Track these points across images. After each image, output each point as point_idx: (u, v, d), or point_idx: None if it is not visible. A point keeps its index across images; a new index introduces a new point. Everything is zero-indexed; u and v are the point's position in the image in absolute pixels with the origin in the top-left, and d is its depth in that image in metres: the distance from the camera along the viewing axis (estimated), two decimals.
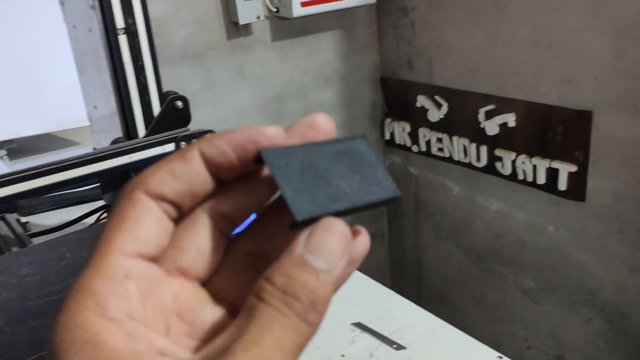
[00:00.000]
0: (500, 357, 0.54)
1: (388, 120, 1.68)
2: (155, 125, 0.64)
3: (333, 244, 0.19)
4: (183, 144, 0.64)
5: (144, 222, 0.19)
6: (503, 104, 1.36)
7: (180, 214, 0.21)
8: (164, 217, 0.20)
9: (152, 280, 0.20)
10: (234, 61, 1.45)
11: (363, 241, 0.22)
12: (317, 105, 1.59)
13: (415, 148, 1.62)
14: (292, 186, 0.21)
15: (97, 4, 0.57)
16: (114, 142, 0.65)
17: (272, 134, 0.21)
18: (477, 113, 1.42)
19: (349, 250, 0.19)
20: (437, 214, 1.65)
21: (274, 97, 1.54)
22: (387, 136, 1.70)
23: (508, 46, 1.32)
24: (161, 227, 0.20)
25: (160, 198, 0.20)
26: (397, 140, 1.67)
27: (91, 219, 0.75)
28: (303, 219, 0.20)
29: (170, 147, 0.63)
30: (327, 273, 0.18)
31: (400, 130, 1.65)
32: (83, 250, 0.54)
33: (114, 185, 0.69)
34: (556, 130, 1.27)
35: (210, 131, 0.66)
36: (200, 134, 0.65)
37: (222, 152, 0.21)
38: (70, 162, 0.58)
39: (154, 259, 0.20)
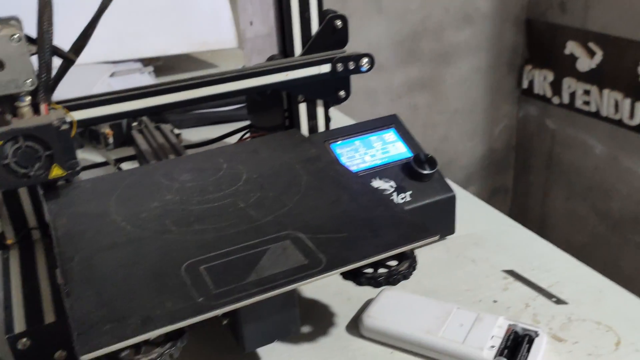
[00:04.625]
0: None
1: (528, 67, 1.55)
2: (312, 44, 0.62)
3: None
4: (339, 65, 0.61)
5: None
6: None
7: None
8: None
9: None
10: None
11: None
12: (452, 47, 1.50)
13: (556, 100, 1.49)
14: None
15: None
16: (270, 59, 0.64)
17: None
18: (638, 65, 1.26)
19: None
20: (572, 173, 1.52)
21: (410, 35, 1.46)
22: (525, 85, 1.57)
23: None
24: None
25: None
26: (536, 90, 1.55)
27: (234, 138, 0.76)
28: None
29: (326, 67, 0.61)
30: None
31: (541, 79, 1.52)
32: (239, 163, 0.54)
33: (261, 106, 0.69)
34: None
35: (367, 55, 0.62)
36: (357, 58, 0.62)
37: None
38: (231, 75, 0.57)
39: None
